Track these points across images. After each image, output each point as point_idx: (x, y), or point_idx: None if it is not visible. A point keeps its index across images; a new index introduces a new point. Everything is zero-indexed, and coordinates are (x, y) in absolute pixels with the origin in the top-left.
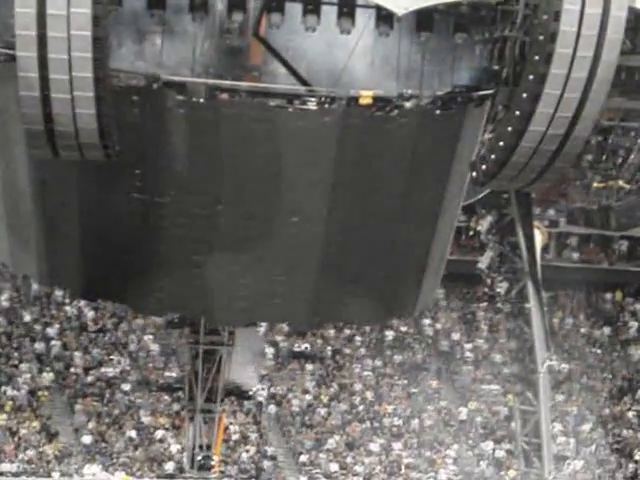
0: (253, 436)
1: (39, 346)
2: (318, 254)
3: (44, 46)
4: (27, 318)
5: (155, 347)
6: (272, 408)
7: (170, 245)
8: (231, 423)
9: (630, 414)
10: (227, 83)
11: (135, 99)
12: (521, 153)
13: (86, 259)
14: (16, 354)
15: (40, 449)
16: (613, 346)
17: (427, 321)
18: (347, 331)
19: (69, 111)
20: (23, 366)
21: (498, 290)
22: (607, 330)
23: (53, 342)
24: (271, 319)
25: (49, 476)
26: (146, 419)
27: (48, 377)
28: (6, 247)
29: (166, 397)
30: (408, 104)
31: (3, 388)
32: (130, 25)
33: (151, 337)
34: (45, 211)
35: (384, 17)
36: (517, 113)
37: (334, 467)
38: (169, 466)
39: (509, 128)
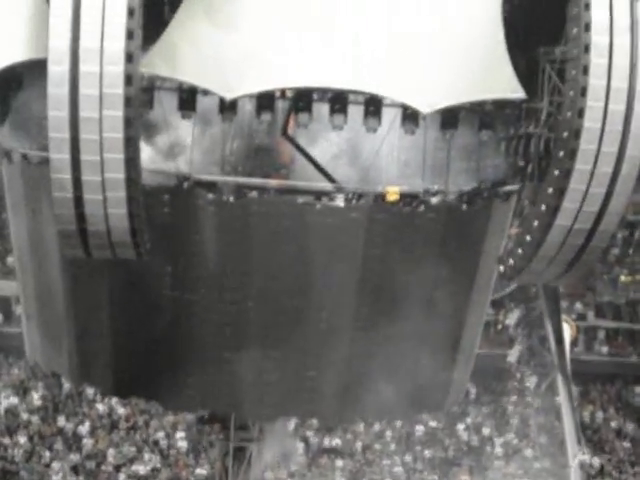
0: None
1: (71, 445)
2: (347, 349)
3: (77, 148)
4: (60, 418)
5: (185, 444)
6: None
7: (200, 342)
8: None
9: None
10: (256, 181)
11: (166, 198)
12: (548, 247)
13: (117, 357)
14: (48, 453)
15: None
16: None
17: (457, 416)
18: (377, 426)
19: (101, 211)
20: (55, 465)
21: (528, 384)
22: (638, 424)
23: (85, 440)
24: (301, 414)
25: None
26: None
27: (80, 476)
28: (38, 346)
29: None
30: (434, 200)
31: None
32: (161, 125)
33: (182, 434)
34: (77, 309)
35: (410, 115)
36: (543, 208)
37: None
38: None
39: (535, 223)
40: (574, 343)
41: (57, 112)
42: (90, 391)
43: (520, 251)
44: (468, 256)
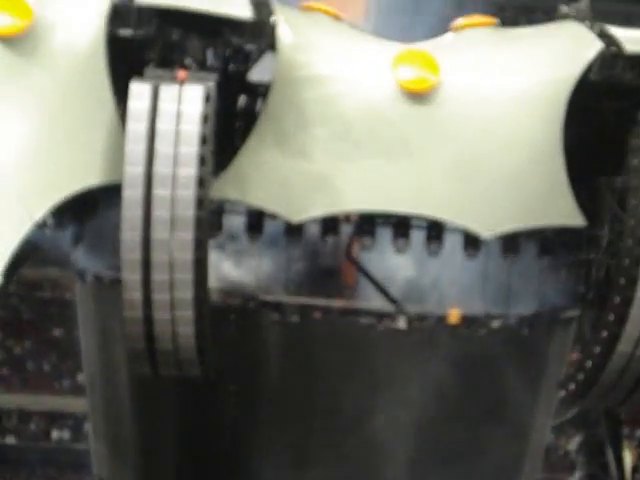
0: None
1: None
2: (409, 471)
3: (148, 269)
4: None
5: None
6: None
7: (264, 462)
8: None
9: None
10: (320, 302)
11: (232, 317)
12: (610, 373)
13: (181, 475)
14: None
15: None
16: None
17: None
18: None
19: (169, 330)
20: None
21: None
22: None
23: None
24: None
25: None
26: None
27: None
28: (105, 462)
29: None
30: (495, 323)
31: None
32: (228, 246)
33: None
34: (143, 427)
35: (471, 240)
36: (604, 334)
37: None
38: None
39: (597, 349)
40: (635, 470)
41: (130, 233)
42: None
43: (581, 376)
44: (528, 381)
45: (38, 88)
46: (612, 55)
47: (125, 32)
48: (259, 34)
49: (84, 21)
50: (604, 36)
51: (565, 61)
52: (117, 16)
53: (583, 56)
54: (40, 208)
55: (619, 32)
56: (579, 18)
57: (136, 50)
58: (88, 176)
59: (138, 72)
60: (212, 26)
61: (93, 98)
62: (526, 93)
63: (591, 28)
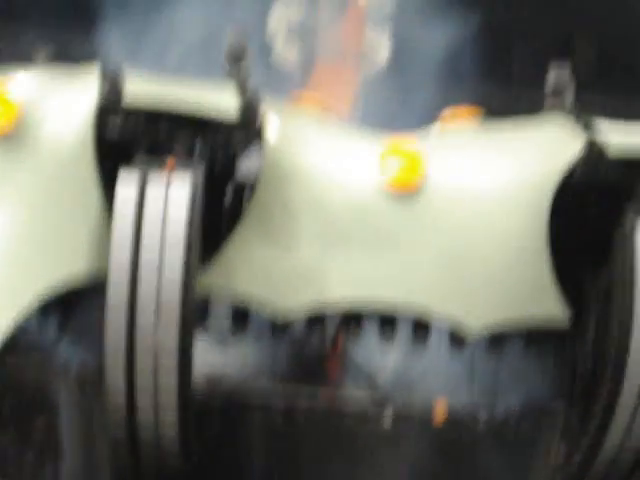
0: None
1: None
2: None
3: (132, 356)
4: None
5: None
6: None
7: None
8: None
9: None
10: (304, 393)
11: (215, 407)
12: (599, 466)
13: None
14: None
15: None
16: None
17: None
18: None
19: (152, 417)
20: None
21: None
22: None
23: None
24: None
25: None
26: None
27: None
28: None
29: None
30: (482, 416)
31: None
32: (212, 332)
33: None
34: None
35: (456, 335)
36: (592, 426)
37: None
38: None
39: (585, 441)
40: None
41: (114, 320)
42: None
43: (569, 471)
44: (516, 474)
45: (23, 185)
46: (594, 157)
47: (113, 129)
48: (246, 130)
49: (71, 120)
50: (588, 133)
51: (548, 159)
52: (104, 114)
53: (565, 156)
54: (25, 300)
55: (606, 129)
56: (565, 110)
57: (124, 142)
58: (73, 267)
59: (125, 162)
60: (199, 120)
61: (80, 192)
62: (510, 190)
63: (577, 122)
